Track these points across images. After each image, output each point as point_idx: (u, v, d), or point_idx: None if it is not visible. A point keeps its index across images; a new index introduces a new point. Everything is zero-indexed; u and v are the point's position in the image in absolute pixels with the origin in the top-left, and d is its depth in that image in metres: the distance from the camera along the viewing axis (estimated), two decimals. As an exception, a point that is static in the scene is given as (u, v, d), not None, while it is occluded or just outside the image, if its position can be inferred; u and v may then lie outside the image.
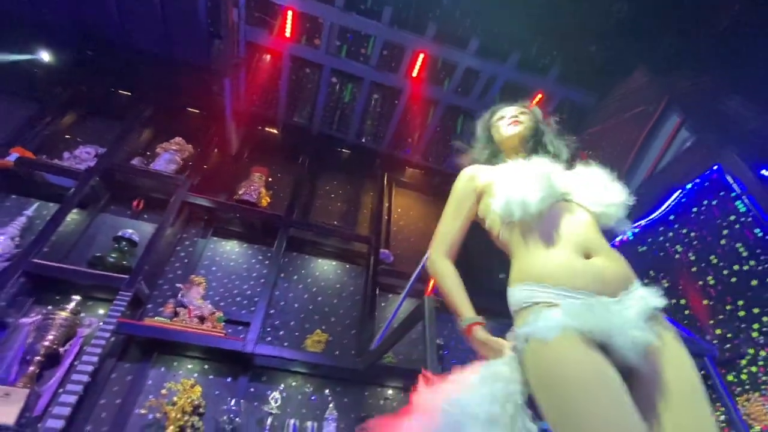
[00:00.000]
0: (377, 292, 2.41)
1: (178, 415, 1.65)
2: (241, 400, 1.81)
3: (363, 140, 3.13)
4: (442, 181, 3.23)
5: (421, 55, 2.57)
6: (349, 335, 2.30)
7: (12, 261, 1.84)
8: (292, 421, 1.81)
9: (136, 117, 2.61)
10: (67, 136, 2.55)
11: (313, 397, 2.01)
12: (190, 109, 2.83)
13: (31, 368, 1.63)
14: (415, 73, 2.65)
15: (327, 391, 2.00)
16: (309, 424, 1.83)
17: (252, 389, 1.94)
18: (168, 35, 2.66)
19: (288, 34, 2.49)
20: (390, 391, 2.13)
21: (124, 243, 2.06)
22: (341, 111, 3.18)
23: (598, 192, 0.90)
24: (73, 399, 1.51)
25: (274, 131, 3.00)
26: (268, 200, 2.62)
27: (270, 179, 2.77)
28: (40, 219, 2.10)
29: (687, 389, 0.66)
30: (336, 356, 2.10)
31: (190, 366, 1.93)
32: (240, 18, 2.45)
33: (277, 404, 1.82)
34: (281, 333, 2.19)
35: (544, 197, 0.83)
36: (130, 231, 2.11)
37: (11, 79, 2.53)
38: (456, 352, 2.41)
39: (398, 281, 2.52)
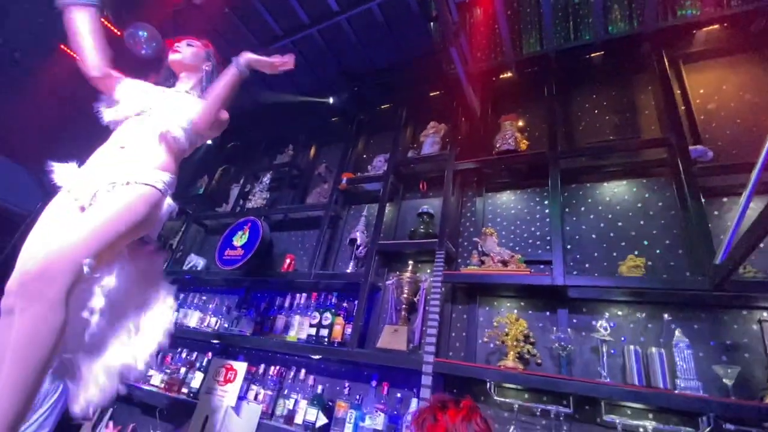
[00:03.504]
0: (702, 199, 1.89)
1: (514, 343, 1.88)
2: (568, 329, 1.86)
3: (614, 31, 2.55)
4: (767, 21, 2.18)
5: None
6: (674, 256, 1.92)
7: (368, 246, 2.66)
8: (632, 348, 1.68)
9: (398, 121, 3.19)
10: (364, 156, 3.43)
11: (649, 325, 1.80)
12: (431, 93, 3.19)
13: (402, 313, 2.29)
14: None
15: (666, 316, 1.73)
16: (654, 350, 1.64)
17: (575, 320, 1.95)
18: (397, 43, 3.12)
19: (490, -31, 2.38)
20: (765, 314, 1.61)
21: (425, 216, 2.56)
22: (574, 16, 2.73)
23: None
24: (435, 332, 2.00)
25: (509, 74, 2.92)
26: (527, 143, 2.57)
27: (521, 123, 2.72)
28: (371, 216, 2.92)
29: None
30: (665, 280, 1.79)
31: (508, 304, 2.16)
32: (444, -13, 2.54)
33: (608, 332, 1.75)
34: (586, 266, 2.09)
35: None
36: (426, 207, 2.60)
37: (332, 131, 3.70)
38: None
39: (731, 179, 1.90)
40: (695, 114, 2.21)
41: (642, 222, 2.07)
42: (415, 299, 2.31)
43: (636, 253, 1.96)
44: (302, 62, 3.46)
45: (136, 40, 2.88)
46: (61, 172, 1.42)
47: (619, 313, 1.88)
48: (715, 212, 1.92)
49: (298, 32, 3.12)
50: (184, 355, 3.05)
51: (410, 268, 2.40)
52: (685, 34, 2.41)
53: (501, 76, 2.95)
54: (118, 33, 3.15)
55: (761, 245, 1.76)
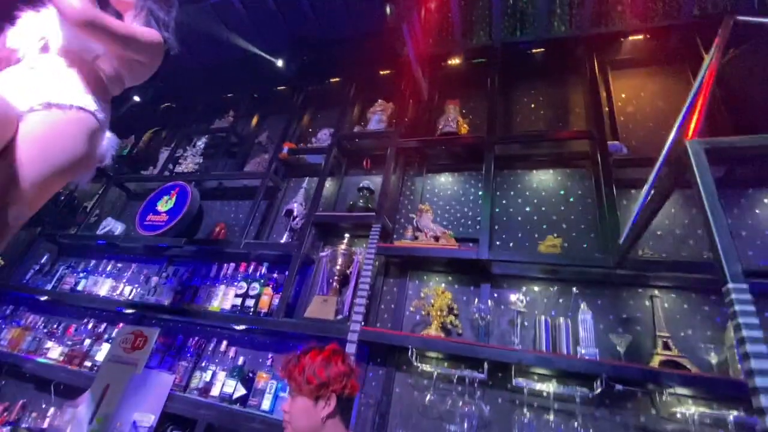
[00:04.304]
0: (615, 189, 2.06)
1: (438, 313, 1.93)
2: (489, 301, 1.94)
3: (554, 33, 2.71)
4: (683, 38, 2.44)
5: None
6: (588, 239, 2.08)
7: (305, 218, 2.58)
8: (543, 318, 1.80)
9: (346, 96, 3.13)
10: (309, 129, 3.33)
11: (560, 299, 1.94)
12: (381, 72, 3.17)
13: (334, 285, 2.25)
14: None
15: (574, 289, 1.88)
16: (561, 320, 1.78)
17: (495, 294, 2.05)
18: (351, 18, 3.07)
19: (446, -50, 2.40)
20: (656, 291, 1.81)
21: (365, 191, 2.54)
22: (521, 13, 2.86)
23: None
24: (363, 302, 1.99)
25: (457, 61, 2.98)
26: (467, 128, 2.65)
27: (463, 109, 2.80)
28: (311, 189, 2.84)
29: None
30: (575, 257, 1.93)
31: (437, 278, 2.21)
32: (400, -38, 2.53)
33: (523, 305, 1.86)
34: (510, 245, 2.20)
35: None
36: (367, 182, 2.59)
37: (277, 101, 3.54)
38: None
39: (640, 172, 2.09)
40: (616, 115, 2.42)
41: (563, 207, 2.23)
42: (348, 272, 2.29)
43: (555, 235, 2.09)
44: (250, 26, 3.27)
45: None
46: None
47: (536, 288, 2.01)
48: (624, 201, 2.11)
49: (246, -12, 2.94)
50: (90, 326, 2.76)
51: (346, 241, 2.37)
52: (614, 42, 2.63)
53: (449, 62, 3.01)
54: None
55: (659, 233, 1.98)
